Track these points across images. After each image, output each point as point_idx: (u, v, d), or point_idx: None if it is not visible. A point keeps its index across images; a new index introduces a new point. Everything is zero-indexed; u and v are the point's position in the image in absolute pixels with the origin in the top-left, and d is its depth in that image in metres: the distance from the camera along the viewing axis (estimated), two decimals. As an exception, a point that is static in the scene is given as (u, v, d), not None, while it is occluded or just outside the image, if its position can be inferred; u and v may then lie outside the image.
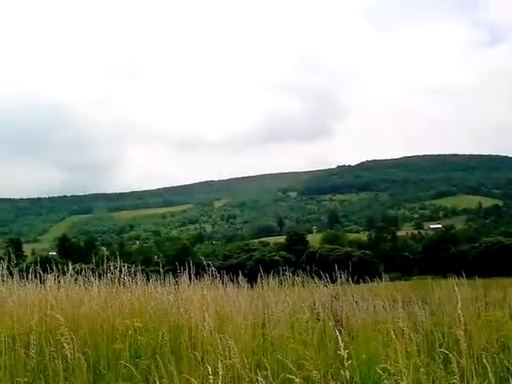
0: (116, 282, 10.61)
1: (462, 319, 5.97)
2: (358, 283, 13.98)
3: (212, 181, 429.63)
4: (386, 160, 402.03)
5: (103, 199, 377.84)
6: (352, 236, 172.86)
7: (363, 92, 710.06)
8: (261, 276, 12.70)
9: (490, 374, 4.37)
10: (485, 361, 5.00)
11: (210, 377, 4.28)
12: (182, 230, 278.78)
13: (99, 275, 11.20)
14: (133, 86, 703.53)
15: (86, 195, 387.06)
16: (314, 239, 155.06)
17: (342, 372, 4.71)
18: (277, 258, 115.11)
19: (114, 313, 9.07)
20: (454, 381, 4.88)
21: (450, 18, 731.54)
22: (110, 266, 11.10)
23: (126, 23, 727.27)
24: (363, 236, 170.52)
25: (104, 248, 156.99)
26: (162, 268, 12.55)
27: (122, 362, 7.27)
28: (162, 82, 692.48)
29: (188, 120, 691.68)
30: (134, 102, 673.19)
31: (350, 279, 12.24)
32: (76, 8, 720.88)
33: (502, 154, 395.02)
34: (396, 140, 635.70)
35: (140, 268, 12.33)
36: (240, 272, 12.97)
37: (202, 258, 12.01)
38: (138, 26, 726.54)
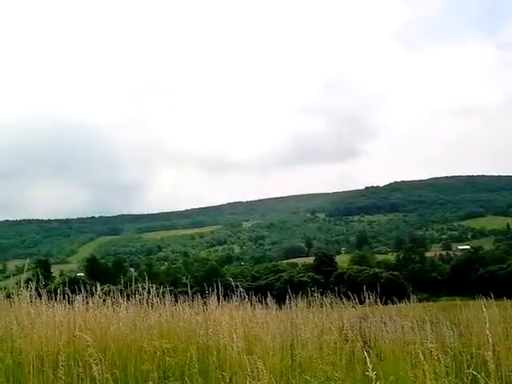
0: (144, 303, 10.65)
1: (490, 340, 5.90)
2: (387, 304, 13.86)
3: (240, 202, 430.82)
4: (414, 181, 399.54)
5: (132, 220, 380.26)
6: (380, 257, 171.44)
7: (391, 113, 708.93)
8: (289, 297, 12.66)
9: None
10: None
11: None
12: (210, 251, 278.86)
13: (127, 296, 11.24)
14: (162, 107, 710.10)
15: (114, 216, 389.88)
16: (343, 260, 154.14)
17: (369, 393, 4.68)
18: (305, 279, 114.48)
19: (143, 334, 9.08)
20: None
21: (476, 39, 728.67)
22: (138, 287, 11.14)
23: (155, 44, 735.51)
24: (391, 257, 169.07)
25: (132, 269, 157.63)
26: (191, 289, 12.58)
27: (150, 383, 7.28)
28: (191, 104, 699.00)
29: (216, 141, 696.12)
30: (163, 123, 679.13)
31: (379, 300, 12.16)
32: (107, 29, 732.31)
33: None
34: (424, 161, 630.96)
35: (168, 289, 12.36)
36: (268, 293, 12.96)
37: (230, 279, 12.04)
38: (167, 47, 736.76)
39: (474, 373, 5.33)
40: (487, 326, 6.10)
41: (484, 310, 6.36)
